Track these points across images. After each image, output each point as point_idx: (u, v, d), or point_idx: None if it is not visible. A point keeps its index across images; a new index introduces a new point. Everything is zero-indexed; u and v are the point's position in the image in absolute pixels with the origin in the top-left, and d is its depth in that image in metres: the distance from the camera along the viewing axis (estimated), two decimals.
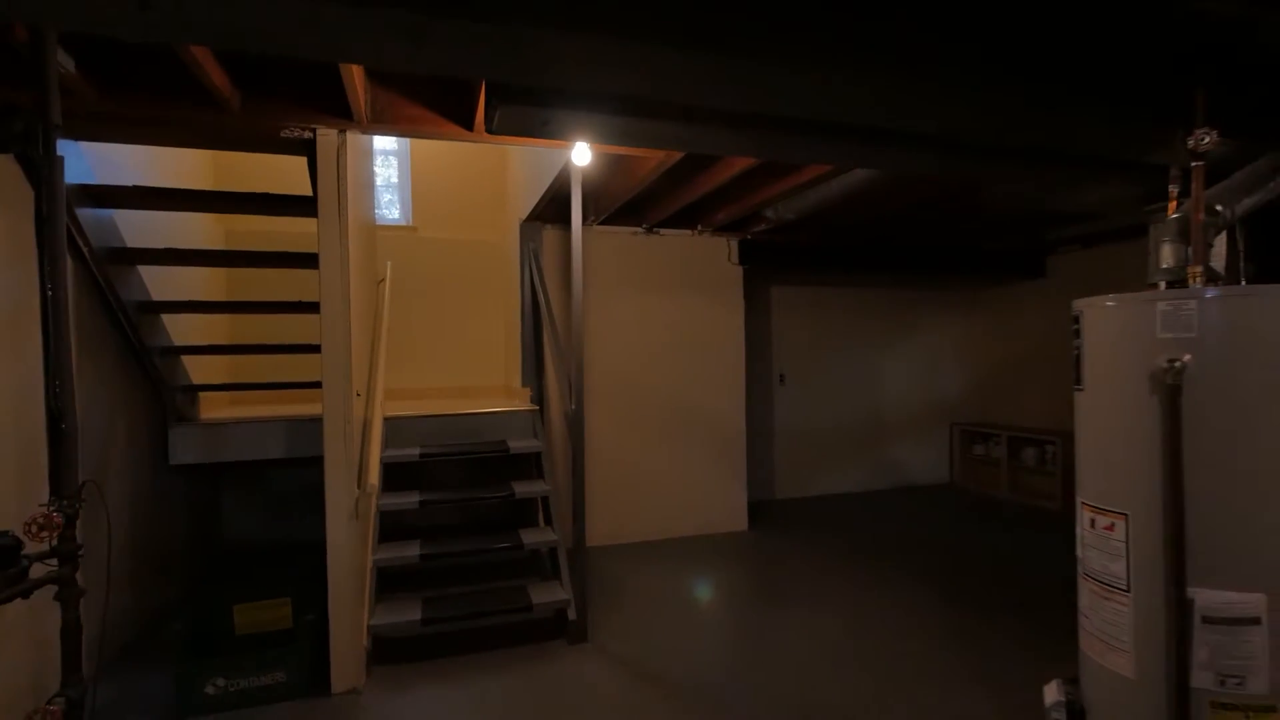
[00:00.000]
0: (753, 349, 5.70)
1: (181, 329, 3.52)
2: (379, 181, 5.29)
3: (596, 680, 2.78)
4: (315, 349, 2.72)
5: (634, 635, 3.21)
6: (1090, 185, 2.71)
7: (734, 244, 4.97)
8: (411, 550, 3.13)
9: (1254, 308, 1.50)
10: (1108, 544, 1.68)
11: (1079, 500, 1.79)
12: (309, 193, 2.73)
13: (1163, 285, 1.69)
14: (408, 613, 2.95)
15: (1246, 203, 1.73)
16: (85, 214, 2.54)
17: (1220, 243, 1.73)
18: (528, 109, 1.86)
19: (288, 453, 3.70)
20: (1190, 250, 1.63)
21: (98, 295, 2.83)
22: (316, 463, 2.69)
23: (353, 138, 2.67)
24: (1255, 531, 1.49)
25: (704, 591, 3.83)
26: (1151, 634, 1.58)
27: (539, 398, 4.32)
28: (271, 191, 2.95)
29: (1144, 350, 1.58)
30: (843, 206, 3.79)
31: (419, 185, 5.33)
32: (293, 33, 1.29)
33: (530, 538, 3.39)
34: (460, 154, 5.29)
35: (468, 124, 2.63)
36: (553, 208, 4.05)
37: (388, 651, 2.99)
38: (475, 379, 5.11)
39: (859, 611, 3.45)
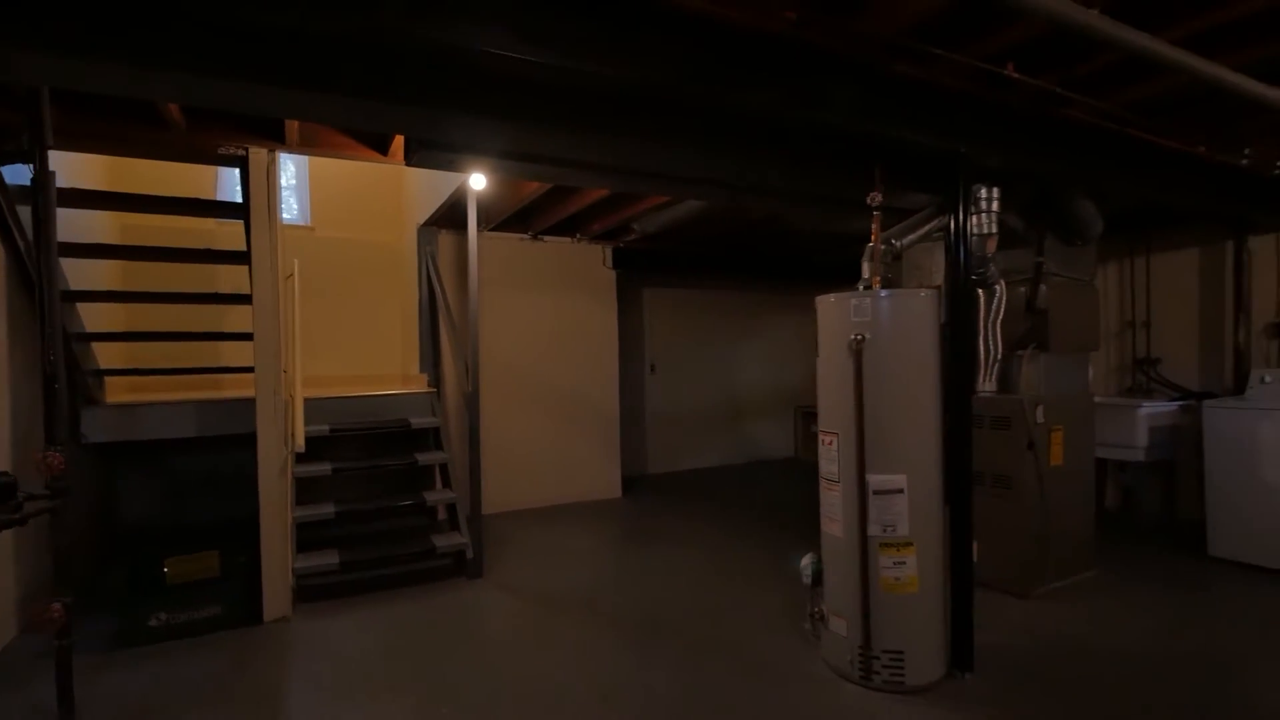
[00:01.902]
0: (627, 342, 6.53)
1: (87, 318, 3.79)
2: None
3: (490, 601, 3.46)
4: (236, 336, 3.19)
5: (523, 572, 3.90)
6: (850, 218, 3.75)
7: (608, 251, 5.77)
8: (327, 509, 3.64)
9: (900, 303, 2.48)
10: (829, 454, 2.61)
11: (819, 429, 2.72)
12: (194, 192, 3.18)
13: (861, 288, 2.64)
14: (327, 559, 3.47)
15: (909, 239, 2.73)
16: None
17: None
18: (439, 153, 2.52)
19: (199, 432, 4.04)
20: (872, 266, 2.59)
21: (28, 287, 3.13)
22: (222, 444, 3.16)
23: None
24: (898, 437, 2.46)
25: (583, 539, 4.58)
26: (850, 507, 2.52)
27: (436, 382, 4.89)
28: (165, 193, 3.38)
29: (845, 329, 2.51)
30: (691, 225, 4.68)
31: (317, 187, 5.68)
32: (281, 108, 1.91)
33: (432, 496, 3.99)
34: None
35: (383, 150, 3.22)
36: (449, 215, 4.64)
37: (312, 594, 3.49)
38: (375, 367, 5.55)
39: (710, 547, 4.35)
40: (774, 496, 5.83)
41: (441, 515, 4.26)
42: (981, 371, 3.55)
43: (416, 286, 5.00)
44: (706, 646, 2.88)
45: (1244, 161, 3.49)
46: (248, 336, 3.22)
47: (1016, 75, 2.31)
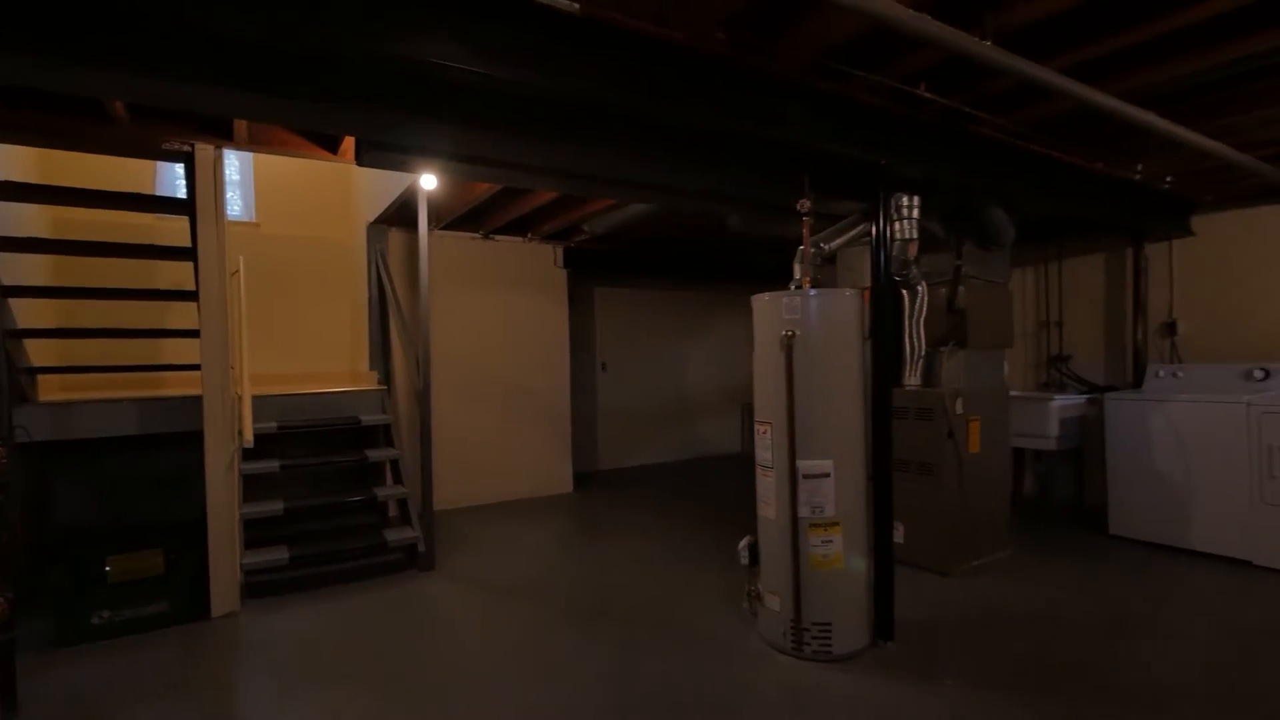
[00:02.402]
0: (578, 340, 6.65)
1: (18, 314, 3.69)
2: None
3: (442, 592, 3.54)
4: (181, 333, 3.18)
5: (475, 564, 3.98)
6: (789, 222, 3.97)
7: (559, 251, 5.88)
8: (276, 505, 3.65)
9: (827, 301, 2.68)
10: (764, 442, 2.80)
11: (755, 419, 2.90)
12: (132, 186, 3.16)
13: (792, 287, 2.84)
14: (277, 555, 3.48)
15: (836, 242, 2.95)
16: None
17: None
18: (390, 154, 2.60)
19: (140, 430, 3.97)
20: (803, 267, 2.79)
21: None
22: (165, 442, 3.15)
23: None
24: (826, 426, 2.66)
25: (535, 532, 4.68)
26: (782, 491, 2.71)
27: (386, 379, 4.91)
28: (99, 187, 3.34)
29: (778, 326, 2.70)
30: (640, 226, 4.84)
31: (263, 183, 5.61)
32: (229, 108, 1.97)
33: (383, 492, 4.03)
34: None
35: (333, 149, 3.26)
36: (399, 214, 4.67)
37: (262, 589, 3.49)
38: (324, 365, 5.51)
39: (658, 537, 4.51)
40: (720, 489, 6.04)
41: (393, 510, 4.30)
42: (907, 366, 3.83)
43: (366, 284, 5.00)
44: (651, 627, 3.04)
45: (1137, 176, 3.85)
46: (193, 333, 3.22)
47: (928, 95, 2.53)
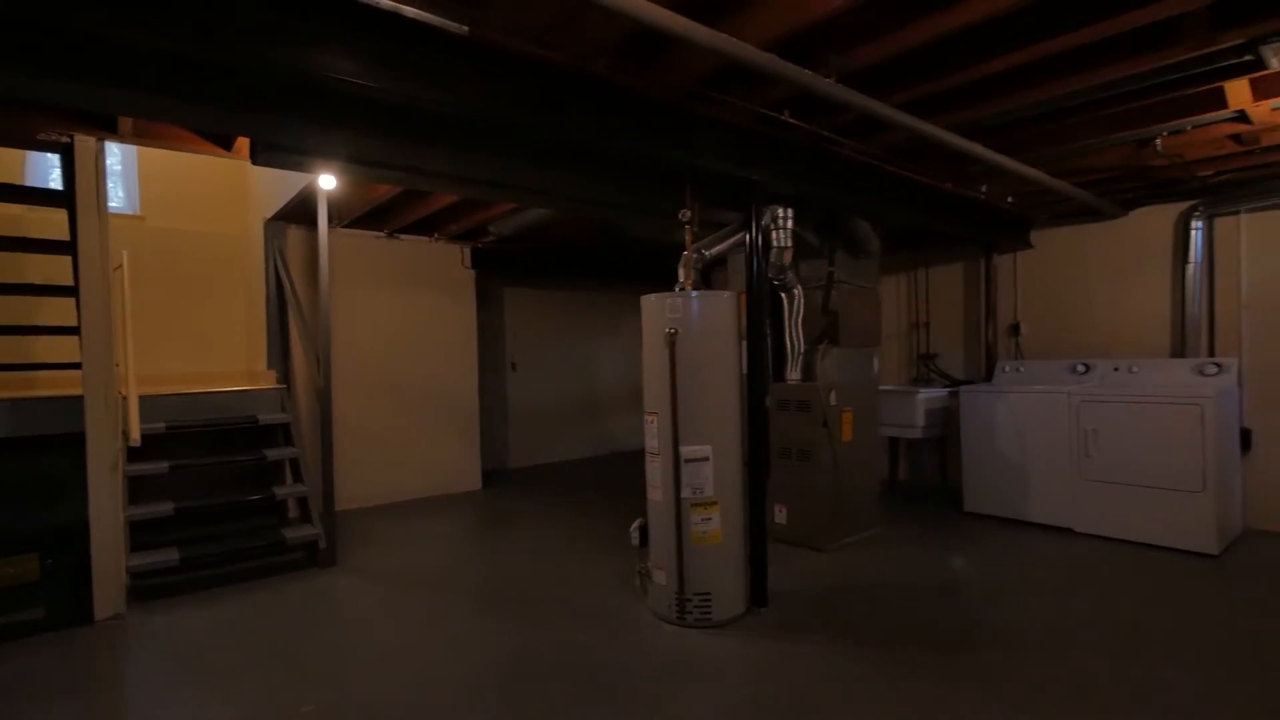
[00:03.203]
0: (487, 340, 6.74)
1: None
2: None
3: (343, 586, 3.58)
4: (58, 330, 3.08)
5: (379, 558, 4.03)
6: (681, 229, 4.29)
7: (467, 251, 5.95)
8: (165, 507, 3.56)
9: (707, 302, 2.97)
10: (652, 431, 3.05)
11: (645, 410, 3.15)
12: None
13: (677, 289, 3.11)
14: (166, 556, 3.41)
15: (716, 249, 3.25)
16: None
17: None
18: (286, 155, 2.66)
19: (11, 433, 3.76)
20: (686, 271, 3.07)
21: None
22: (39, 445, 3.05)
23: None
24: (706, 414, 2.95)
25: (441, 527, 4.75)
26: (667, 475, 2.97)
27: (286, 378, 4.83)
28: None
29: (662, 324, 2.96)
30: (546, 228, 5.00)
31: (149, 175, 5.36)
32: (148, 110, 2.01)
33: (282, 491, 4.00)
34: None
35: (226, 145, 3.25)
36: (298, 211, 4.61)
37: (153, 592, 3.41)
38: (218, 364, 5.33)
39: (564, 528, 4.69)
40: (627, 482, 6.29)
41: (294, 509, 4.26)
42: (789, 362, 4.20)
43: (263, 281, 4.90)
44: (551, 607, 3.23)
45: (982, 195, 4.40)
46: (72, 330, 3.12)
47: (792, 120, 2.86)
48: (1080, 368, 4.81)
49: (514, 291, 7.13)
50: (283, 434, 4.30)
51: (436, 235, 5.61)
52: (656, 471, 3.03)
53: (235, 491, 3.98)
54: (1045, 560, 3.84)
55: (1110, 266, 4.87)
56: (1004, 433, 4.61)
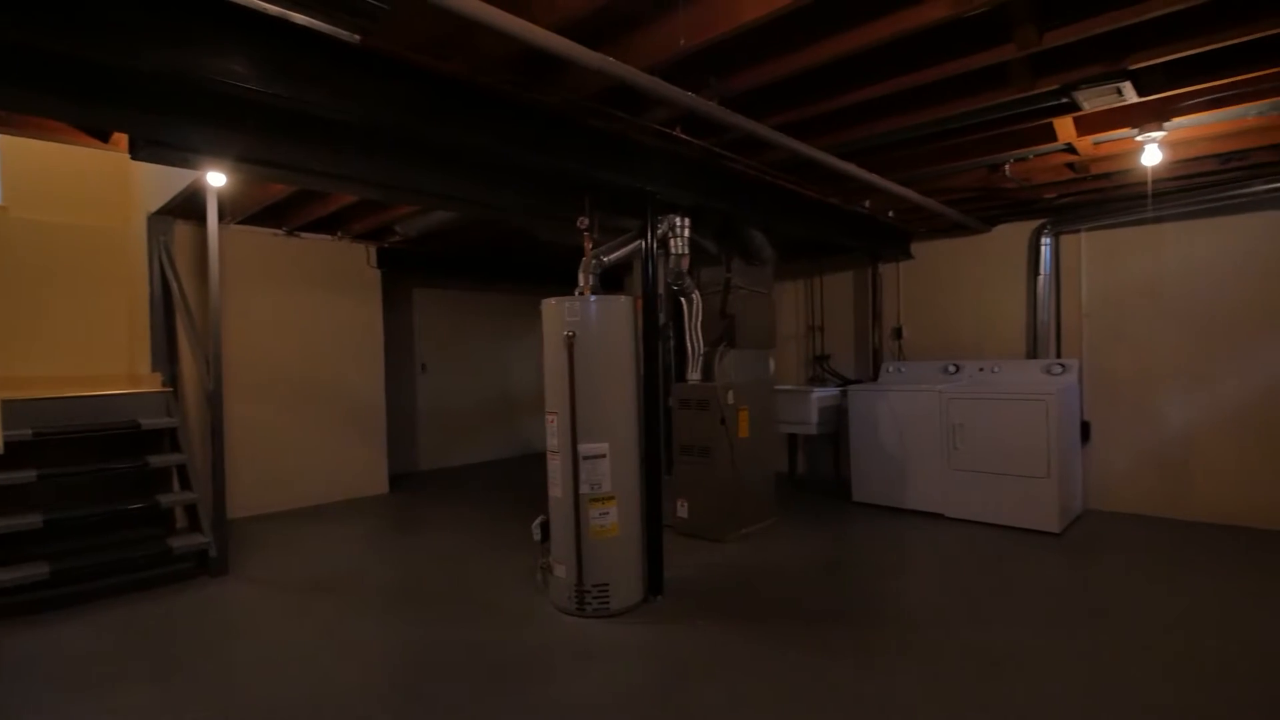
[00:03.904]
0: (396, 341, 6.62)
1: None
2: None
3: (235, 594, 3.48)
4: None
5: (276, 565, 3.92)
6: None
7: (373, 250, 5.84)
8: (33, 518, 3.34)
9: (604, 306, 3.11)
10: (552, 430, 3.16)
11: (546, 410, 3.25)
12: None
13: (577, 293, 3.24)
14: (35, 570, 3.20)
15: (614, 256, 3.40)
16: None
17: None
18: (169, 151, 2.59)
19: None
20: (585, 276, 3.20)
21: None
22: None
23: None
24: (603, 413, 3.09)
25: (344, 532, 4.66)
26: (566, 472, 3.09)
27: (173, 381, 4.60)
28: None
29: (561, 327, 3.08)
30: (455, 230, 5.01)
31: (11, 162, 4.95)
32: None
33: (168, 499, 3.83)
34: None
35: (103, 138, 3.10)
36: (186, 206, 4.41)
37: (19, 609, 3.19)
38: (95, 366, 4.99)
39: (471, 529, 4.71)
40: (538, 482, 6.32)
41: (181, 519, 4.08)
42: (690, 363, 4.41)
43: (147, 279, 4.65)
44: (454, 606, 3.27)
45: (866, 209, 4.78)
46: None
47: (684, 136, 3.05)
48: (952, 368, 5.30)
49: (424, 292, 7.04)
50: (169, 440, 4.10)
51: (340, 234, 5.48)
52: (556, 469, 3.15)
53: (116, 501, 3.77)
54: (918, 543, 4.22)
55: (978, 276, 5.39)
56: (886, 428, 5.01)
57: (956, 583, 3.49)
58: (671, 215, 3.65)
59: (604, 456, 3.07)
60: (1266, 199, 4.08)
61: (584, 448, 3.05)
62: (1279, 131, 3.31)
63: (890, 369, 5.65)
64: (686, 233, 3.71)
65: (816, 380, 6.26)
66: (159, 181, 4.36)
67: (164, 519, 4.07)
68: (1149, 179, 4.03)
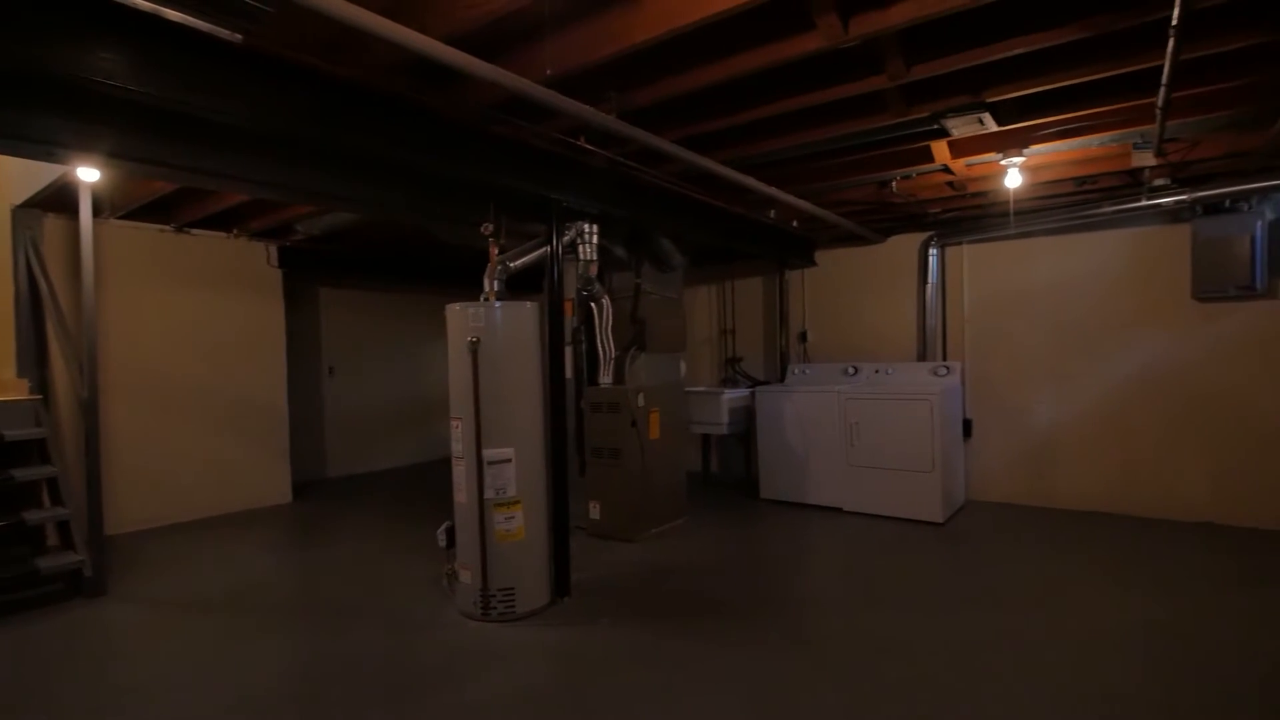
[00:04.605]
0: (301, 344, 6.36)
1: None
2: None
3: (114, 617, 3.27)
4: None
5: (162, 583, 3.71)
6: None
7: (273, 249, 5.59)
8: None
9: (510, 312, 3.13)
10: (457, 435, 3.15)
11: (451, 416, 3.23)
12: None
13: (482, 299, 3.24)
14: None
15: (520, 261, 3.42)
16: None
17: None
18: (30, 145, 2.41)
19: None
20: (490, 281, 3.21)
21: None
22: None
23: None
24: (509, 418, 3.11)
25: (240, 546, 4.44)
26: (471, 477, 3.09)
27: (42, 388, 4.25)
28: None
29: (465, 331, 3.08)
30: (360, 230, 4.87)
31: None
32: None
33: (36, 516, 3.54)
34: None
35: None
36: (57, 199, 4.08)
37: None
38: None
39: (378, 537, 4.60)
40: (450, 487, 6.25)
41: (53, 536, 3.78)
42: (601, 367, 4.48)
43: (12, 278, 4.27)
44: (357, 616, 3.20)
45: (771, 219, 4.99)
46: None
47: (588, 146, 3.11)
48: (851, 370, 5.61)
49: (331, 292, 6.78)
50: (37, 451, 3.79)
51: (236, 232, 5.22)
52: (461, 475, 3.14)
53: None
54: (817, 537, 4.46)
55: (875, 283, 5.74)
56: (790, 428, 5.26)
57: (848, 573, 3.72)
58: (580, 222, 3.71)
59: (509, 461, 3.09)
60: (1116, 219, 4.56)
61: (489, 453, 3.06)
62: (1123, 160, 3.72)
63: (796, 371, 5.92)
64: (595, 239, 3.77)
65: (728, 382, 6.47)
66: (23, 172, 4.03)
67: (32, 537, 3.75)
68: (1010, 199, 4.42)
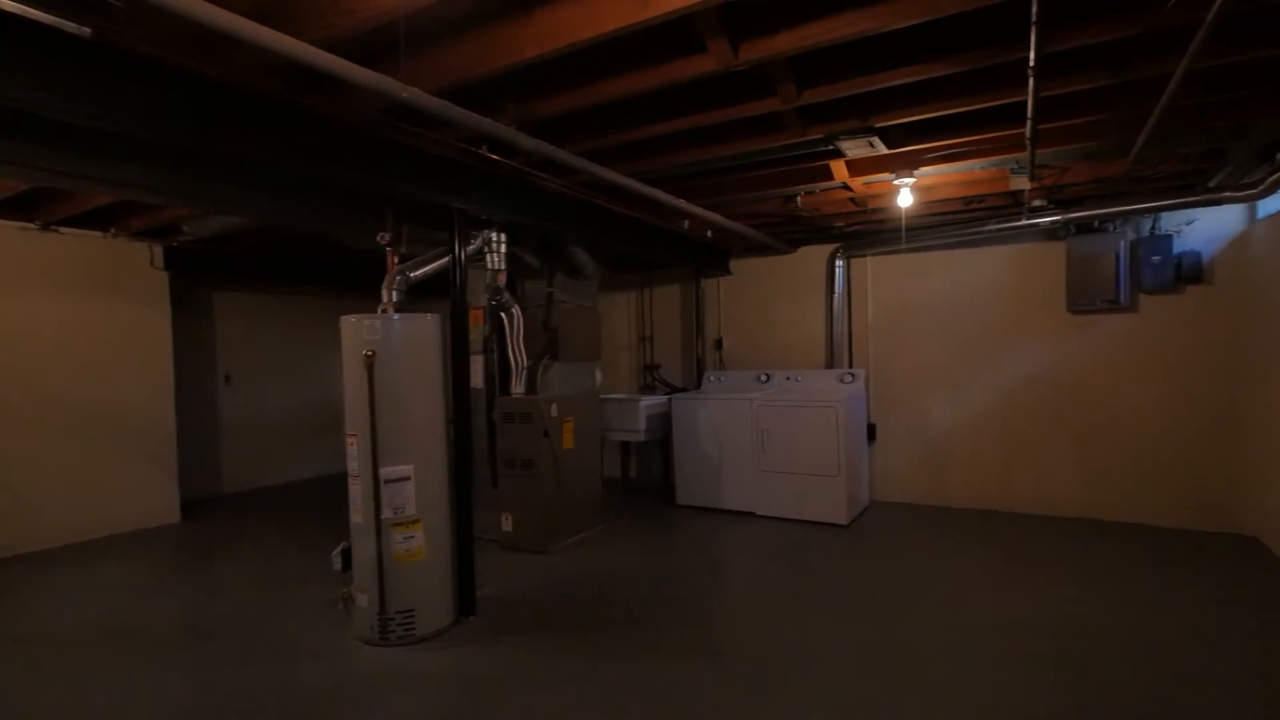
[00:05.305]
0: (193, 351, 5.95)
1: None
2: None
3: None
4: None
5: (18, 618, 3.36)
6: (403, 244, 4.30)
7: (158, 250, 5.20)
8: None
9: (409, 323, 3.03)
10: (352, 453, 3.02)
11: (346, 432, 3.10)
12: None
13: (380, 309, 3.12)
14: None
15: (420, 271, 3.32)
16: None
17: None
18: None
19: None
20: (389, 292, 3.10)
21: None
22: None
23: None
24: (408, 434, 3.00)
25: (115, 572, 4.10)
26: (368, 497, 2.96)
27: None
28: None
29: (361, 344, 2.95)
30: (252, 233, 4.60)
31: None
32: None
33: None
34: None
35: None
36: None
37: None
38: None
39: (273, 557, 4.35)
40: None
41: None
42: (514, 377, 4.41)
43: None
44: (246, 645, 3.01)
45: (685, 229, 5.05)
46: None
47: (492, 155, 3.05)
48: (764, 377, 5.76)
49: (227, 296, 6.38)
50: None
51: (113, 231, 4.82)
52: (358, 494, 3.01)
53: None
54: (728, 542, 4.55)
55: (786, 293, 5.91)
56: (705, 434, 5.34)
57: (758, 579, 3.81)
58: (487, 230, 3.64)
59: (408, 479, 2.99)
60: (1001, 236, 4.88)
61: (386, 471, 2.95)
62: (1003, 183, 3.98)
63: (712, 378, 6.02)
64: (503, 248, 3.71)
65: (647, 389, 6.51)
66: None
67: None
68: (903, 216, 4.66)
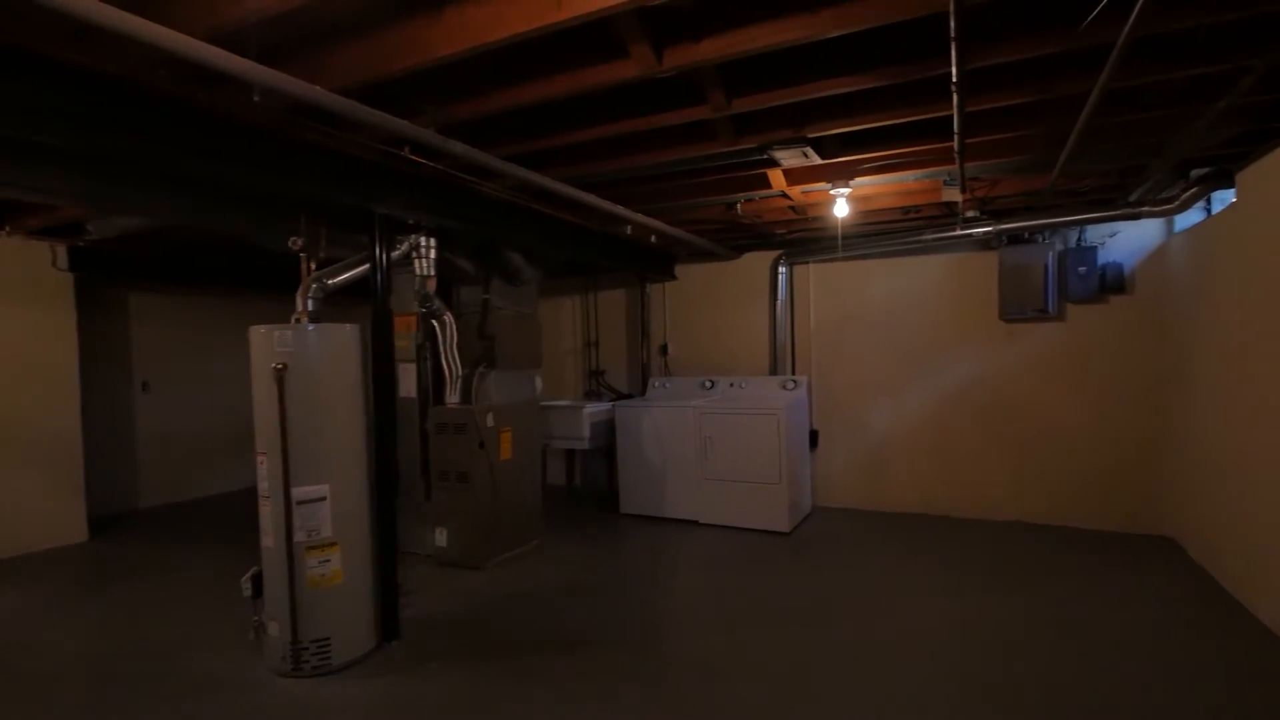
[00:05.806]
0: (105, 357, 5.58)
1: None
2: None
3: None
4: None
5: None
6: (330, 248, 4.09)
7: (61, 250, 4.83)
8: None
9: (326, 334, 2.85)
10: (262, 473, 2.83)
11: (256, 450, 2.90)
12: None
13: (294, 319, 2.94)
14: None
15: (338, 279, 3.15)
16: None
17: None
18: None
19: None
20: (303, 301, 2.92)
21: None
22: None
23: None
24: (323, 451, 2.83)
25: (8, 599, 3.77)
26: (279, 519, 2.78)
27: None
28: None
29: (270, 357, 2.77)
30: (164, 233, 4.30)
31: None
32: None
33: None
34: None
35: None
36: None
37: None
38: None
39: (186, 579, 4.07)
40: None
41: None
42: (448, 386, 4.25)
43: None
44: (146, 680, 2.79)
45: (628, 234, 4.97)
46: None
47: (415, 157, 2.91)
48: (708, 383, 5.73)
49: (143, 298, 6.00)
50: None
51: (8, 230, 4.45)
52: (268, 516, 2.82)
53: None
54: (670, 553, 4.49)
55: (730, 298, 5.90)
56: (649, 442, 5.27)
57: (700, 591, 3.77)
58: (416, 235, 3.48)
59: (324, 499, 2.81)
60: (937, 245, 4.96)
61: (299, 491, 2.77)
62: (937, 194, 4.03)
63: (657, 384, 5.96)
64: (433, 253, 3.56)
65: (592, 395, 6.41)
66: None
67: None
68: (839, 225, 4.68)
